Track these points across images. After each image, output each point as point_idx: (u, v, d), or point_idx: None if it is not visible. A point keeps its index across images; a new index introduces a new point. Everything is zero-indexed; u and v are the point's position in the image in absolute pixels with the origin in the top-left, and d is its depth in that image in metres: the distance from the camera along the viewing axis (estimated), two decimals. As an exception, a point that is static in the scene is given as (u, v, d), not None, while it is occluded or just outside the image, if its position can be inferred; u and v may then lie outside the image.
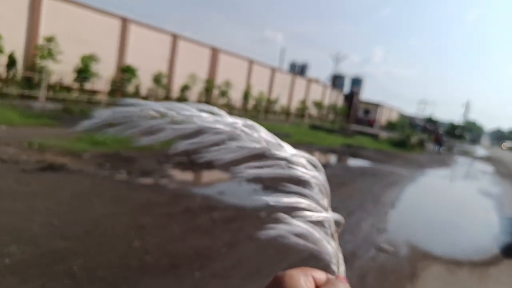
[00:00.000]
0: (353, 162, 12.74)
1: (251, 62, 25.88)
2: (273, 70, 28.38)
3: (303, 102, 31.64)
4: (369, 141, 21.73)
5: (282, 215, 0.44)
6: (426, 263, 4.42)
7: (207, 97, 21.33)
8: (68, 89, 14.59)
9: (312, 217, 0.45)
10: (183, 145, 0.44)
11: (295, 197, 0.45)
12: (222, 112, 0.45)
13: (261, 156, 0.45)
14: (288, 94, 30.96)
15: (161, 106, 0.44)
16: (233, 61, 24.36)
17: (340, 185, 7.82)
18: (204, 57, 22.29)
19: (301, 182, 0.46)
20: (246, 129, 0.45)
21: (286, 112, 30.01)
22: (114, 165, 6.34)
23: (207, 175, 7.22)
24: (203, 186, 6.34)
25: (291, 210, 0.44)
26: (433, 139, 25.72)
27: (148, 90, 18.08)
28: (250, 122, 0.46)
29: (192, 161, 7.65)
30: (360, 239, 4.79)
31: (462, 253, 5.04)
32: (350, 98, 45.06)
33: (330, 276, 0.41)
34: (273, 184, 6.36)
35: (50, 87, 13.68)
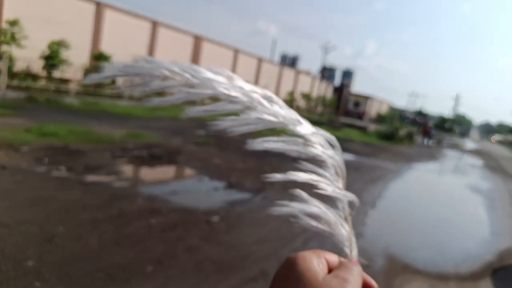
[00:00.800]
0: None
1: (236, 52, 24.99)
2: (260, 60, 27.50)
3: (291, 93, 30.84)
4: (357, 133, 21.05)
5: (297, 192, 0.43)
6: (405, 278, 3.71)
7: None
8: (35, 77, 13.60)
9: (327, 192, 0.44)
10: (195, 111, 0.41)
11: (310, 175, 0.44)
12: (239, 79, 0.43)
13: (278, 131, 0.43)
14: (275, 85, 30.16)
15: (176, 67, 0.41)
16: (217, 50, 23.45)
17: None
18: (186, 45, 21.35)
19: (317, 161, 0.45)
20: (263, 101, 0.43)
21: (274, 104, 29.21)
22: (54, 160, 5.51)
23: (164, 172, 6.42)
24: (154, 184, 5.54)
25: (305, 187, 0.43)
26: (422, 132, 25.15)
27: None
28: (268, 93, 0.44)
29: (152, 156, 6.86)
30: (328, 247, 4.05)
31: (449, 264, 4.34)
32: (340, 90, 44.43)
33: (342, 259, 0.41)
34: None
35: (15, 74, 12.70)
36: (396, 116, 51.65)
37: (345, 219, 0.46)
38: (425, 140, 24.42)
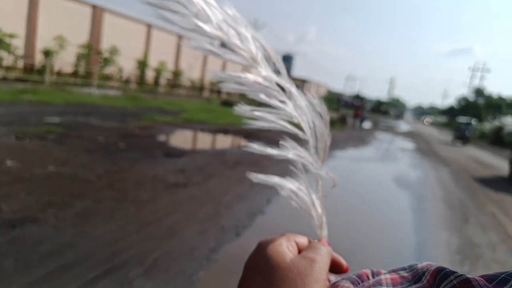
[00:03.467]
0: (245, 143, 9.73)
1: (149, 27, 21.72)
2: (180, 38, 24.43)
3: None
4: (285, 117, 19.02)
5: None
6: None
7: (85, 65, 17.02)
8: None
9: (309, 167, 0.45)
10: (229, 87, 0.43)
11: (293, 152, 0.45)
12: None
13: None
14: (201, 66, 27.32)
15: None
16: (124, 23, 20.04)
17: (196, 183, 4.69)
18: (82, 16, 17.77)
19: (301, 140, 0.46)
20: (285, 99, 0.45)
21: (199, 87, 26.43)
22: None
23: None
24: None
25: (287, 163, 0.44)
26: (353, 114, 23.83)
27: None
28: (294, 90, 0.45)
29: None
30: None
31: None
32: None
33: (312, 240, 0.41)
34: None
35: None
36: (334, 100, 51.24)
37: (318, 199, 0.47)
38: (357, 123, 23.14)
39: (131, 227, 3.40)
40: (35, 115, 8.44)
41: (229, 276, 2.92)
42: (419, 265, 0.37)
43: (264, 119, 0.44)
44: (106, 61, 17.55)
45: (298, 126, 0.45)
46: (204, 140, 9.70)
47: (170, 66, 23.34)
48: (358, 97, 65.43)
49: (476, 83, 56.43)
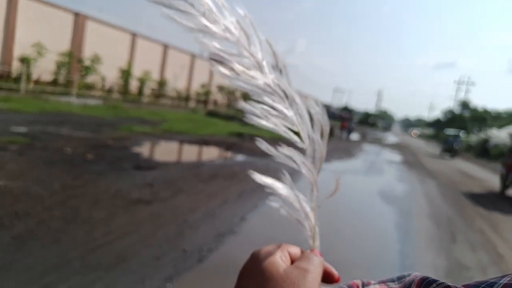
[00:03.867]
0: (227, 155, 9.33)
1: (134, 36, 21.33)
2: (166, 47, 24.07)
3: (206, 86, 27.84)
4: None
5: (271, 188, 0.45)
6: None
7: (66, 73, 16.49)
8: None
9: (306, 173, 0.46)
10: (236, 83, 0.43)
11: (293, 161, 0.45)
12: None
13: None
14: (187, 76, 26.94)
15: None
16: (108, 32, 19.61)
17: (161, 200, 4.24)
18: (63, 23, 17.31)
19: (298, 148, 0.46)
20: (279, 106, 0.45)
21: (185, 97, 26.00)
22: None
23: None
24: None
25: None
26: (340, 126, 23.65)
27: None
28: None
29: None
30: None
31: None
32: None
33: (305, 250, 0.42)
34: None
35: None
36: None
37: (312, 210, 0.47)
38: (344, 134, 22.95)
39: (74, 252, 2.95)
40: (1, 124, 7.93)
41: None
42: (407, 277, 0.40)
43: (268, 119, 0.44)
44: (88, 70, 17.05)
45: (297, 134, 0.45)
46: (182, 152, 9.27)
47: (155, 75, 22.90)
48: (346, 109, 65.75)
49: (462, 96, 57.11)
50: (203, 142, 10.64)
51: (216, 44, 0.40)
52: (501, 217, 7.43)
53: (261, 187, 0.45)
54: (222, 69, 0.40)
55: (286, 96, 0.45)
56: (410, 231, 5.39)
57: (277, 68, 0.44)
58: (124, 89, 20.05)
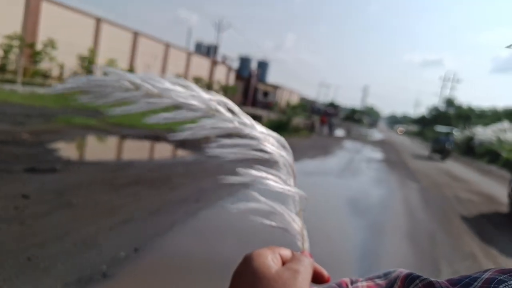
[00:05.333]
0: (178, 153, 7.94)
1: (98, 21, 19.63)
2: (136, 35, 22.41)
3: (182, 77, 26.26)
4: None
5: (251, 193, 0.45)
6: None
7: (15, 59, 14.78)
8: None
9: (278, 188, 0.46)
10: (156, 119, 0.43)
11: (264, 173, 0.46)
12: (198, 88, 0.45)
13: (234, 134, 0.45)
14: (161, 66, 25.33)
15: (137, 78, 0.43)
16: (67, 15, 17.89)
17: (29, 216, 2.83)
18: (13, 4, 15.57)
19: (269, 162, 0.47)
20: (220, 108, 0.45)
21: (158, 89, 24.39)
22: None
23: None
24: None
25: (260, 184, 0.45)
26: (320, 121, 22.39)
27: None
28: (224, 99, 0.46)
29: None
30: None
31: None
32: (248, 79, 41.05)
33: (295, 252, 0.43)
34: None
35: None
36: (305, 106, 50.13)
37: (297, 215, 0.48)
38: (325, 130, 21.71)
39: None
40: None
41: None
42: (393, 273, 0.42)
43: (236, 153, 0.45)
44: (38, 55, 15.34)
45: (267, 152, 0.46)
46: (117, 149, 7.82)
47: (124, 65, 21.26)
48: (332, 105, 64.69)
49: (447, 93, 56.48)
50: (153, 137, 9.19)
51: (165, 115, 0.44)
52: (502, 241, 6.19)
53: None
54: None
55: (248, 125, 0.46)
56: (379, 260, 4.05)
57: (225, 106, 0.46)
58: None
